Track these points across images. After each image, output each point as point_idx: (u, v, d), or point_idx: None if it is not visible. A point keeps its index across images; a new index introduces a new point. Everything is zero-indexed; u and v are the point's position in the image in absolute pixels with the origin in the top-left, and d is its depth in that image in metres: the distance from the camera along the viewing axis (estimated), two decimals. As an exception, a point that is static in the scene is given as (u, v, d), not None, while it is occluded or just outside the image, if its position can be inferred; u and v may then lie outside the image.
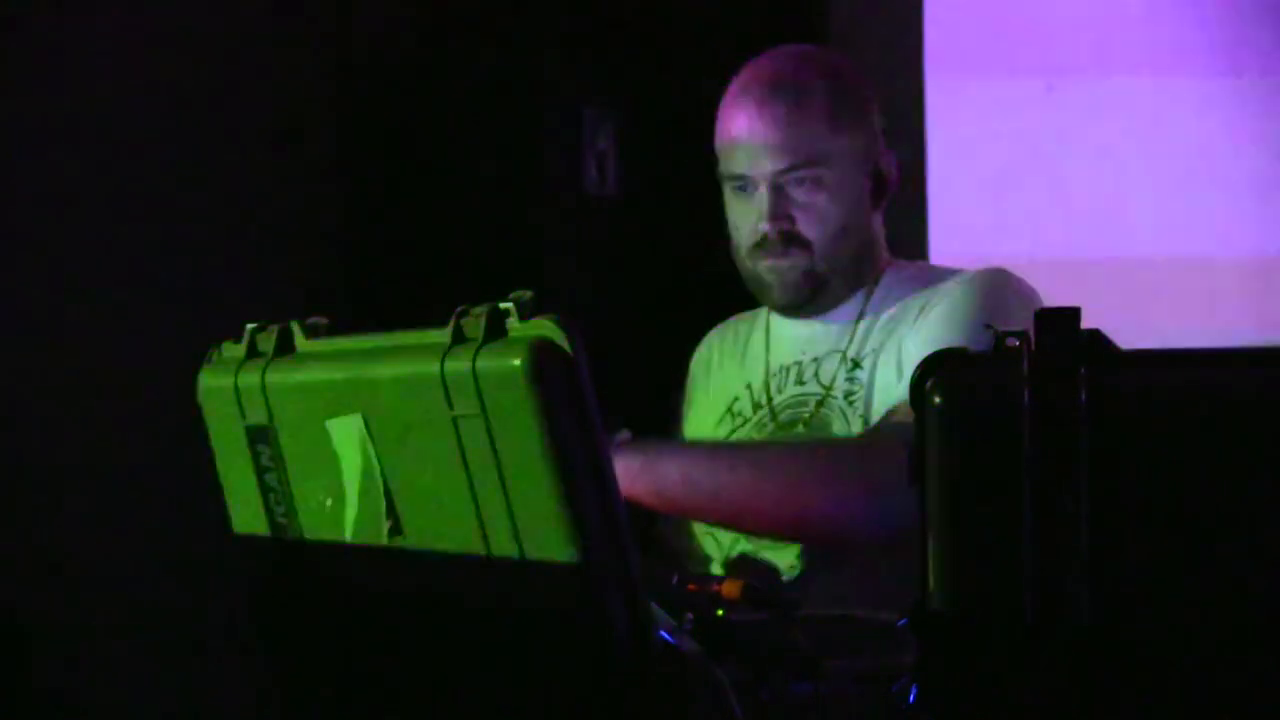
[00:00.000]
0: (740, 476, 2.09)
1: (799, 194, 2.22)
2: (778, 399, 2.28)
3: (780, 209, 2.22)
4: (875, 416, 2.16)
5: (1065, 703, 1.28)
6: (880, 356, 2.20)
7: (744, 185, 2.25)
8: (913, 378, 1.32)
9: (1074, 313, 1.30)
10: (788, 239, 2.23)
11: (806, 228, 2.23)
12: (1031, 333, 1.29)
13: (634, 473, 2.08)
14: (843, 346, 2.25)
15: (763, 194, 2.23)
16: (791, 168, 2.21)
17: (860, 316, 2.26)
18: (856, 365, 2.22)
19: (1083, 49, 3.57)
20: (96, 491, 3.19)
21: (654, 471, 2.10)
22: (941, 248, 3.48)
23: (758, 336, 2.36)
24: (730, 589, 1.64)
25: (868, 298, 2.28)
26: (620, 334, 3.38)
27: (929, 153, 3.54)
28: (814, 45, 2.36)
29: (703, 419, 2.37)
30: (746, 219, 2.25)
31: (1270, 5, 3.48)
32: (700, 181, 2.38)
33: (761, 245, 2.24)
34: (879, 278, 2.29)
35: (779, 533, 2.12)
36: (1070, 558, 1.27)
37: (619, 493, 1.39)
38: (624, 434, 2.14)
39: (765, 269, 2.26)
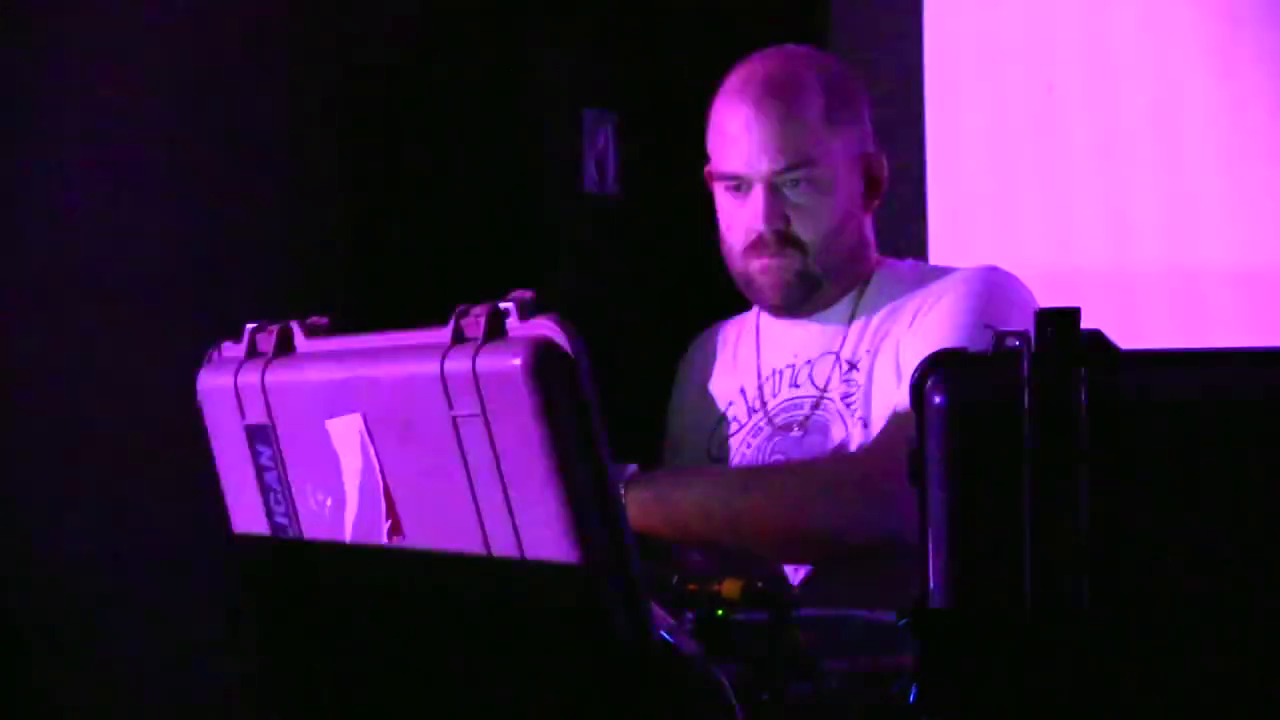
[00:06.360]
0: (754, 502, 2.09)
1: (794, 194, 2.21)
2: (772, 402, 2.27)
3: (776, 209, 2.21)
4: (875, 419, 2.16)
5: (1065, 702, 1.28)
6: (877, 358, 2.20)
7: (738, 185, 2.24)
8: (912, 378, 1.32)
9: (1074, 313, 1.30)
10: (783, 239, 2.23)
11: (802, 228, 2.22)
12: (1031, 333, 1.29)
13: (647, 506, 2.08)
14: (835, 348, 2.25)
15: (758, 194, 2.21)
16: (788, 168, 2.20)
17: (852, 317, 2.25)
18: (852, 367, 2.22)
19: (1083, 49, 3.57)
20: (96, 491, 3.18)
21: (667, 503, 2.10)
22: (941, 248, 3.48)
23: (747, 340, 2.35)
24: (730, 589, 1.63)
25: (859, 298, 2.27)
26: (620, 334, 3.38)
27: (929, 153, 3.54)
28: (807, 45, 2.34)
29: (697, 424, 2.36)
30: (740, 219, 2.24)
31: (1269, 7, 3.48)
32: (700, 181, 2.38)
33: (756, 245, 2.23)
34: (870, 278, 2.28)
35: (797, 555, 2.11)
36: (1070, 557, 1.27)
37: (619, 493, 1.39)
38: (631, 467, 2.14)
39: (759, 269, 2.25)
